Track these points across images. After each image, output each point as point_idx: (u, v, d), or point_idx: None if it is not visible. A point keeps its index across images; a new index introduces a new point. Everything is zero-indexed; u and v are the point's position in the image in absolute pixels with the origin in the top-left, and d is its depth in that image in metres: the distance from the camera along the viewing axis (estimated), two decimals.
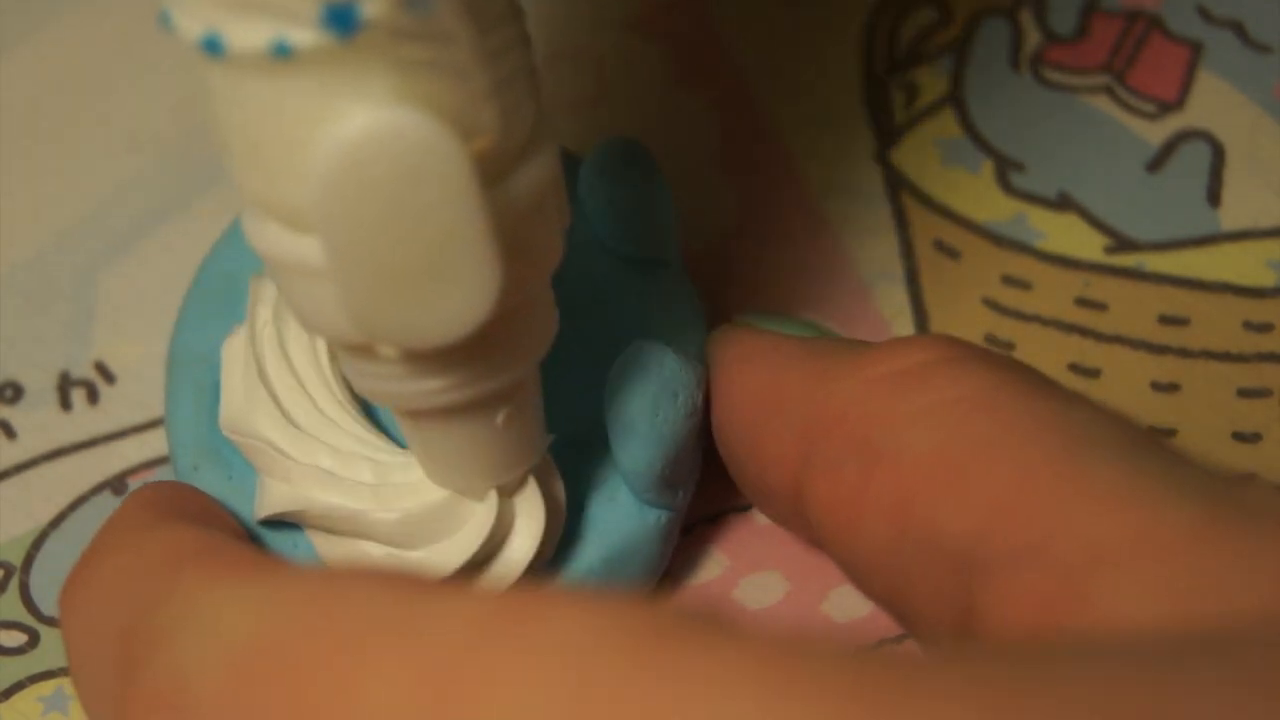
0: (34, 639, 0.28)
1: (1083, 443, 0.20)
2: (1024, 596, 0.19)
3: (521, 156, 0.20)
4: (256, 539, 0.26)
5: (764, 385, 0.25)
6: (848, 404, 0.23)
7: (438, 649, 0.16)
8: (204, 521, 0.24)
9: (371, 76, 0.18)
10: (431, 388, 0.21)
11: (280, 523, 0.26)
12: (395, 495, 0.25)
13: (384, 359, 0.21)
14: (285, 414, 0.25)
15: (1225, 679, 0.15)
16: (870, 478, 0.22)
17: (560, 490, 0.26)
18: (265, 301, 0.26)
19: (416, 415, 0.22)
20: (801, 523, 0.24)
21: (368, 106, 0.18)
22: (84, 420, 0.30)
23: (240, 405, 0.26)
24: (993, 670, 0.15)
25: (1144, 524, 0.18)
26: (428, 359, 0.21)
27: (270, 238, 0.20)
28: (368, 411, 0.27)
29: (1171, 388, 0.30)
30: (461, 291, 0.19)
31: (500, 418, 0.23)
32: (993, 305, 0.31)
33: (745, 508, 0.29)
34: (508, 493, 0.25)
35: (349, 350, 0.21)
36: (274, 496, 0.25)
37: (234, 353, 0.26)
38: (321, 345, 0.26)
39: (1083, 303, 0.31)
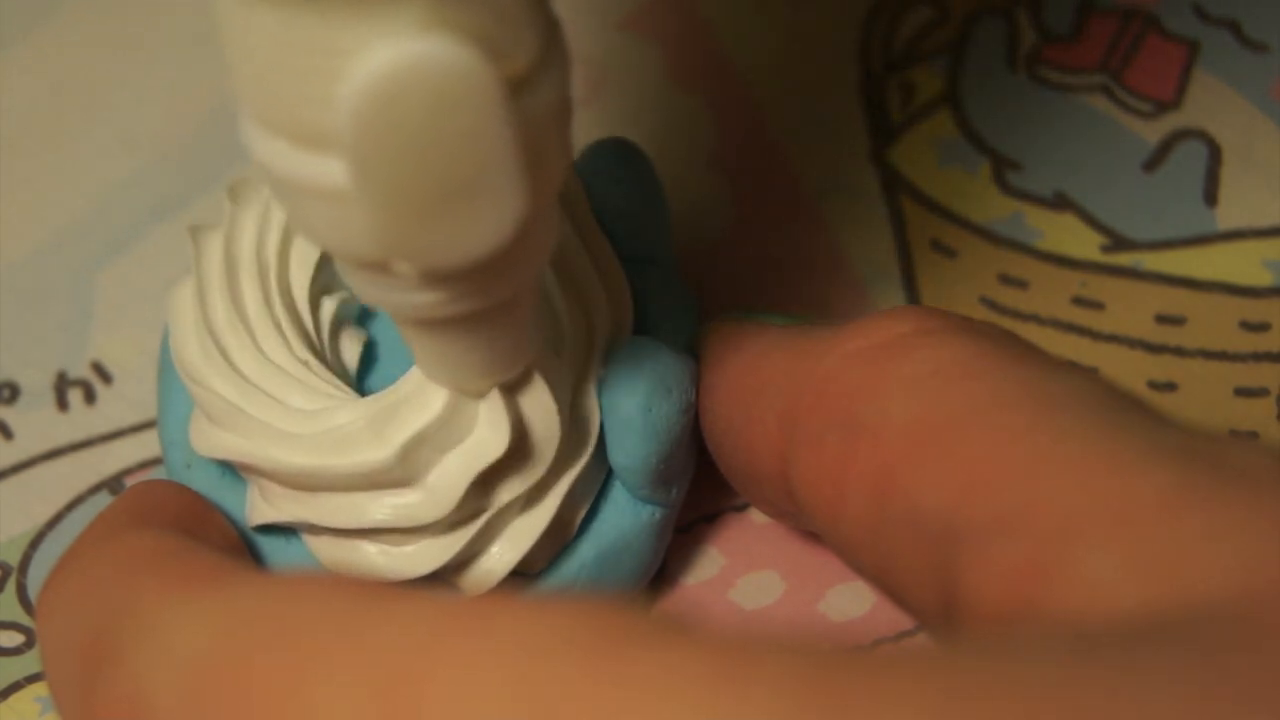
0: (31, 639, 0.28)
1: (1062, 409, 0.20)
2: (1000, 569, 0.19)
3: (541, 67, 0.19)
4: (248, 537, 0.26)
5: (746, 371, 0.25)
6: (828, 379, 0.22)
7: (387, 657, 0.16)
8: (186, 523, 0.24)
9: (399, 4, 0.17)
10: (441, 299, 0.21)
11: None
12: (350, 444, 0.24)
13: (397, 274, 0.21)
14: (235, 369, 0.25)
15: (1171, 680, 0.15)
16: (852, 451, 0.21)
17: (578, 511, 0.26)
18: (213, 257, 0.26)
19: (420, 323, 0.22)
20: (792, 508, 0.24)
21: (397, 36, 0.17)
22: (81, 420, 0.30)
23: (194, 356, 0.26)
24: (939, 672, 0.15)
25: (1117, 492, 0.18)
26: (442, 274, 0.21)
27: (279, 156, 0.19)
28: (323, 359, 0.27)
29: (1168, 387, 0.30)
30: (489, 211, 0.19)
31: (503, 323, 0.23)
32: (990, 304, 0.31)
33: (743, 506, 0.29)
34: (514, 512, 0.25)
35: (358, 265, 0.21)
36: (260, 506, 0.26)
37: (182, 302, 0.26)
38: (277, 298, 0.26)
39: (1079, 302, 0.31)
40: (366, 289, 0.21)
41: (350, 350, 0.27)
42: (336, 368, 0.27)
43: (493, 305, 0.22)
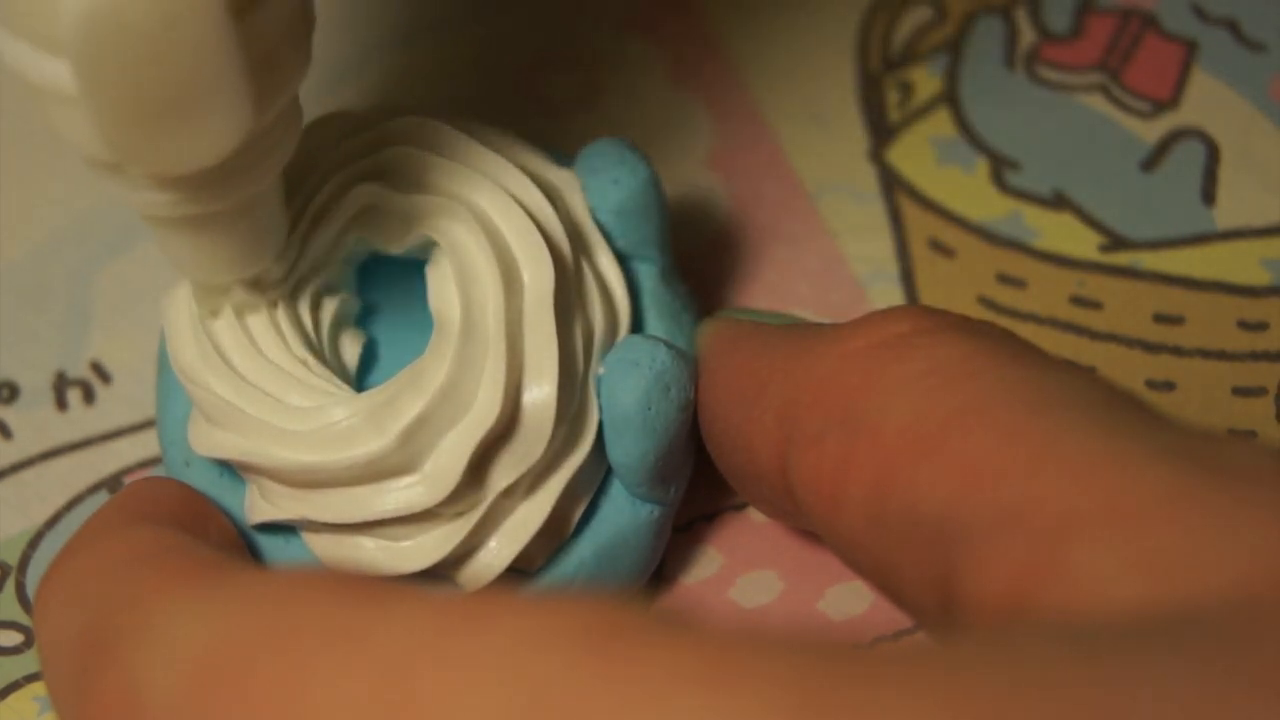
0: (30, 639, 0.28)
1: (1059, 406, 0.20)
2: (999, 567, 0.19)
3: None
4: (247, 535, 0.26)
5: (744, 370, 0.25)
6: (827, 378, 0.23)
7: (387, 653, 0.16)
8: (184, 521, 0.24)
9: None
10: (174, 199, 0.22)
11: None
12: (345, 440, 0.25)
13: (131, 175, 0.21)
14: (233, 368, 0.25)
15: (1176, 674, 0.15)
16: (851, 450, 0.21)
17: (575, 508, 0.26)
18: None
19: (159, 220, 0.23)
20: (790, 507, 0.24)
21: None
22: (80, 420, 0.30)
23: (191, 357, 0.26)
24: (938, 668, 0.15)
25: (1116, 490, 0.18)
26: (173, 177, 0.21)
27: (20, 57, 0.20)
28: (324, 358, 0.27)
29: (1166, 386, 0.30)
30: (214, 121, 0.20)
31: (241, 222, 0.23)
32: (988, 303, 0.31)
33: (741, 505, 0.29)
34: (520, 492, 0.25)
35: (95, 164, 0.21)
36: (259, 505, 0.25)
37: (178, 304, 0.26)
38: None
39: (1077, 301, 0.31)
40: (107, 185, 0.22)
41: (350, 350, 0.27)
42: (336, 367, 0.27)
43: (229, 207, 0.22)
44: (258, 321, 0.26)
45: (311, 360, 0.26)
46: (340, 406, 0.25)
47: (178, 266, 0.25)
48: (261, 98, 0.20)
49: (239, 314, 0.26)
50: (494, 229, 0.25)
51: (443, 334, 0.25)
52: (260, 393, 0.25)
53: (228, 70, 0.19)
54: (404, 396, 0.24)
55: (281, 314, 0.26)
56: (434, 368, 0.24)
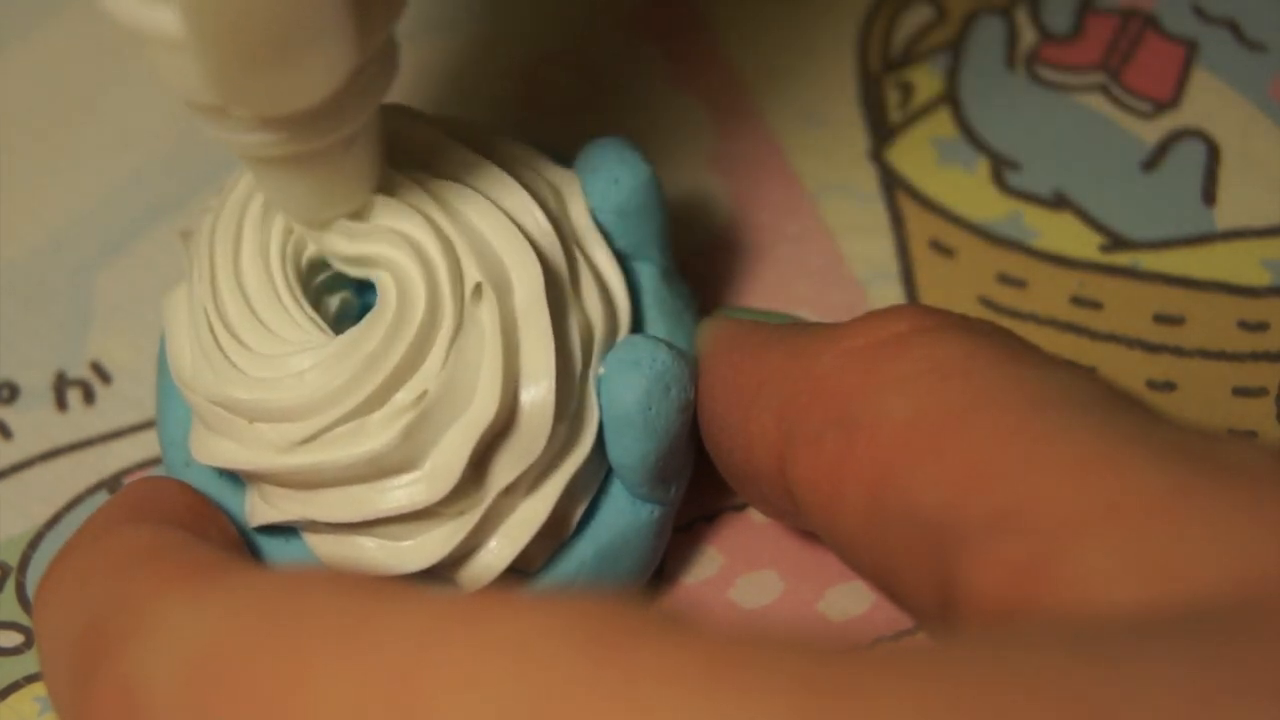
0: (30, 639, 0.28)
1: (1058, 406, 0.20)
2: (998, 565, 0.19)
3: None
4: (248, 535, 0.26)
5: (744, 370, 0.25)
6: (826, 377, 0.23)
7: (388, 652, 0.16)
8: (185, 520, 0.24)
9: None
10: (278, 139, 0.22)
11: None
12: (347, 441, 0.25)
13: (236, 117, 0.22)
14: (234, 366, 0.25)
15: (1174, 675, 0.15)
16: (850, 448, 0.21)
17: (576, 508, 0.26)
18: (203, 256, 0.26)
19: (261, 160, 0.23)
20: (790, 506, 0.24)
21: None
22: (80, 420, 0.30)
23: (189, 364, 0.26)
24: (936, 670, 0.15)
25: (1116, 490, 0.18)
26: (278, 118, 0.22)
27: (126, 6, 0.20)
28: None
29: (1167, 386, 0.30)
30: (319, 59, 0.20)
31: (341, 158, 0.23)
32: (988, 304, 0.31)
33: (742, 506, 0.29)
34: (519, 493, 0.25)
35: (199, 108, 0.22)
36: (260, 508, 0.25)
37: (178, 304, 0.26)
38: (282, 285, 0.26)
39: (1078, 301, 0.31)
40: (209, 129, 0.22)
41: None
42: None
43: (330, 144, 0.23)
44: (260, 292, 0.26)
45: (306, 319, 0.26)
46: (308, 355, 0.25)
47: (279, 205, 0.25)
48: (363, 34, 0.20)
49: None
50: (476, 235, 0.25)
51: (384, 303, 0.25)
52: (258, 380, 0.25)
53: (332, 7, 0.19)
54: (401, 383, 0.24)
55: (285, 292, 0.26)
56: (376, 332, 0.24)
